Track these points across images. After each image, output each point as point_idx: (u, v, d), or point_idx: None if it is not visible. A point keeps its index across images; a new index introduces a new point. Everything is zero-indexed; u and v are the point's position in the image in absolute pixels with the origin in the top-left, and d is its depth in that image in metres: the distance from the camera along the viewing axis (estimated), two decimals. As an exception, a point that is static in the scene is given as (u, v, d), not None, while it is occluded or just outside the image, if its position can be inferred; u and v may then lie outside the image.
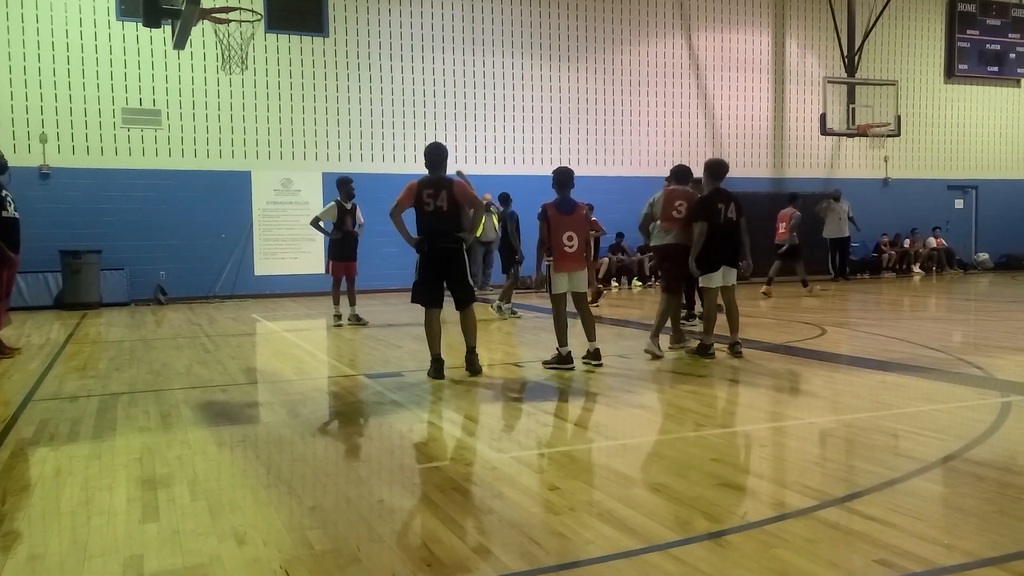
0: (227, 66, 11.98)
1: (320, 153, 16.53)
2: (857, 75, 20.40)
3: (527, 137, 18.11)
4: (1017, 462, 4.19)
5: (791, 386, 6.33)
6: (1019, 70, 22.84)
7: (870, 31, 20.28)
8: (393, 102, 17.04)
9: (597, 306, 11.90)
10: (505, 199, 12.15)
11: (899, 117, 20.33)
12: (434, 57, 17.34)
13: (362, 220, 10.97)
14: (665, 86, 19.37)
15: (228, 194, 15.79)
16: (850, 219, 17.28)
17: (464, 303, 6.86)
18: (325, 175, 15.94)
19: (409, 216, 6.70)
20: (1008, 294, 15.03)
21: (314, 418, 5.58)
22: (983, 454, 4.21)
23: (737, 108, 20.09)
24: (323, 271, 11.38)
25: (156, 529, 3.32)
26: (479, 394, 6.19)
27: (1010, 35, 22.61)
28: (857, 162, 21.43)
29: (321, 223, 10.76)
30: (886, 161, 21.65)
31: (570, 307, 7.28)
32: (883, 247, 20.83)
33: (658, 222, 8.04)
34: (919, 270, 20.84)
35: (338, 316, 10.88)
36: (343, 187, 10.77)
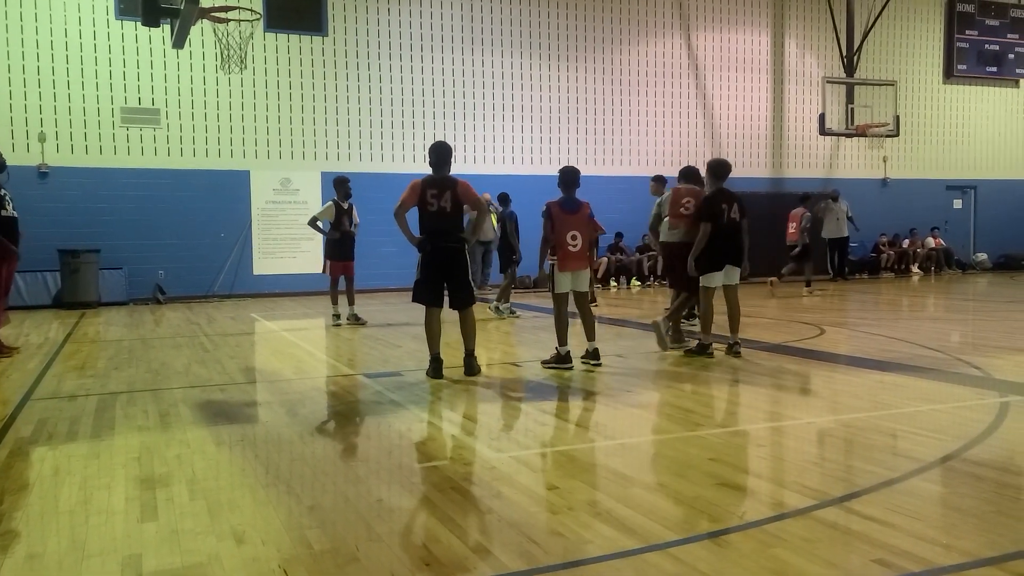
0: (226, 65, 11.97)
1: (319, 152, 16.53)
2: (856, 75, 20.41)
3: (526, 137, 18.11)
4: (1015, 462, 4.20)
5: (790, 386, 6.34)
6: (1018, 70, 22.86)
7: (869, 31, 20.28)
8: (392, 101, 17.03)
9: (596, 305, 11.90)
10: (504, 199, 12.16)
11: (898, 117, 20.34)
12: (433, 57, 17.34)
13: (358, 220, 10.95)
14: (664, 86, 19.37)
15: (227, 193, 15.78)
16: (849, 219, 17.29)
17: (464, 303, 6.86)
18: (324, 174, 15.92)
19: (411, 215, 6.69)
20: (1006, 294, 15.04)
21: (313, 417, 5.58)
22: (981, 454, 4.22)
23: (736, 108, 20.10)
24: (320, 271, 11.34)
25: (155, 528, 3.32)
26: (478, 394, 6.19)
27: (1009, 35, 22.62)
28: (856, 162, 21.44)
29: (319, 223, 10.75)
30: (885, 161, 21.66)
31: (570, 307, 7.29)
32: (882, 247, 20.85)
33: (666, 219, 8.12)
34: (918, 270, 20.85)
35: (337, 316, 10.87)
36: (340, 186, 10.76)
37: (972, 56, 22.29)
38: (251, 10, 12.34)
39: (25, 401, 6.08)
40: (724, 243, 7.51)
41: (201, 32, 14.33)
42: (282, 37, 16.22)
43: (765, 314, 11.59)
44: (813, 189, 18.85)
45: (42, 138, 14.63)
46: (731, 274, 7.63)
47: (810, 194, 15.92)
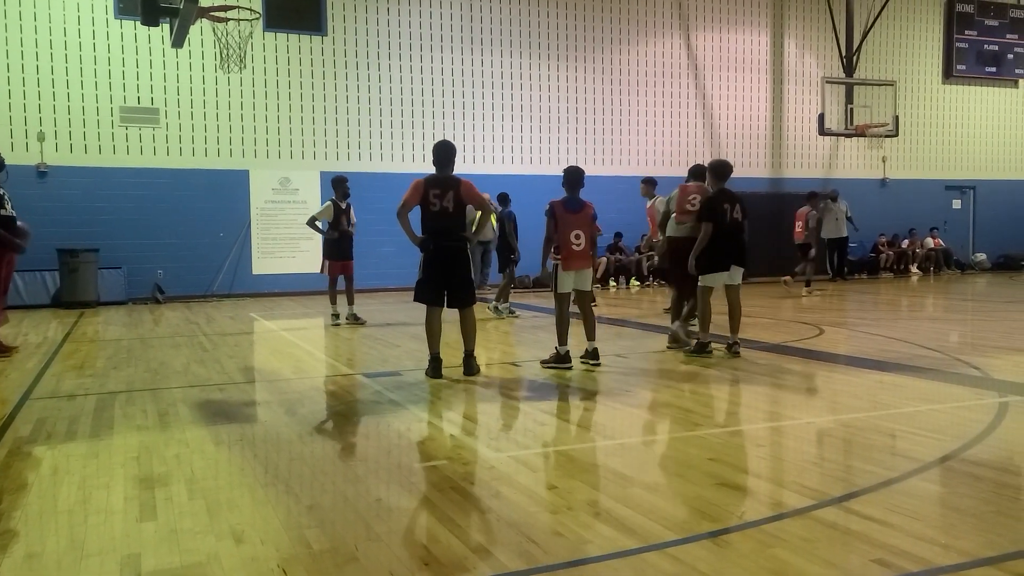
0: (225, 65, 11.97)
1: (318, 152, 16.52)
2: (855, 75, 20.41)
3: (524, 137, 18.11)
4: (1014, 462, 4.20)
5: (789, 386, 6.34)
6: (1017, 71, 22.87)
7: (868, 31, 20.29)
8: (391, 101, 17.03)
9: (596, 305, 11.90)
10: (504, 199, 12.15)
11: (897, 117, 20.35)
12: (432, 56, 17.33)
13: (354, 219, 10.95)
14: (663, 86, 19.38)
15: (226, 193, 15.77)
16: (848, 219, 17.30)
17: (465, 303, 6.86)
18: (323, 174, 15.92)
19: (414, 214, 6.69)
20: (1005, 294, 15.05)
21: (312, 417, 5.58)
22: (980, 454, 4.22)
23: (735, 108, 20.10)
24: (319, 271, 11.32)
25: (153, 528, 3.32)
26: (477, 393, 6.19)
27: (1008, 36, 22.63)
28: (855, 162, 21.45)
29: (318, 223, 10.74)
30: (884, 161, 21.67)
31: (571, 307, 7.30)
32: (881, 247, 20.86)
33: (674, 215, 8.21)
34: (917, 270, 20.86)
35: (336, 315, 10.87)
36: (339, 186, 10.75)
37: (971, 56, 22.30)
38: (250, 9, 12.31)
39: (24, 400, 6.07)
40: (727, 243, 7.52)
41: (200, 32, 14.33)
42: (281, 37, 16.21)
43: (764, 314, 11.59)
44: (812, 189, 18.86)
45: (41, 137, 14.62)
46: (734, 274, 7.65)
47: (817, 192, 16.01)
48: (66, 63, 14.76)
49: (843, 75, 20.39)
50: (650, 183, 11.15)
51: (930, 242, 21.29)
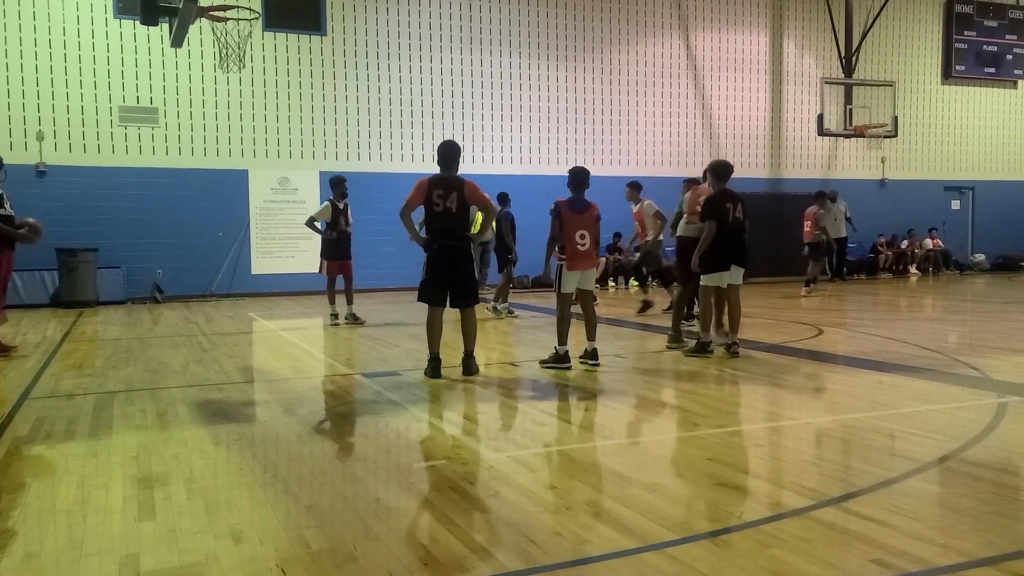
0: (224, 64, 11.96)
1: (317, 152, 16.52)
2: (854, 76, 20.42)
3: (524, 137, 18.10)
4: (1013, 462, 4.20)
5: (788, 386, 6.34)
6: (1016, 71, 22.88)
7: (867, 32, 20.30)
8: (390, 101, 17.03)
9: (597, 304, 11.91)
10: (503, 198, 12.15)
11: (896, 118, 20.35)
12: (431, 56, 17.33)
13: (351, 219, 10.94)
14: (663, 86, 19.38)
15: (225, 192, 15.76)
16: (847, 220, 17.33)
17: (468, 303, 6.86)
18: (322, 174, 15.91)
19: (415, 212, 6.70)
20: (1004, 295, 15.06)
21: (311, 417, 5.58)
22: (979, 454, 4.22)
23: (735, 108, 20.11)
24: (317, 271, 11.32)
25: (152, 527, 3.32)
26: (476, 393, 6.19)
27: (1007, 36, 22.65)
28: (854, 163, 21.46)
29: (316, 223, 10.74)
30: (883, 162, 21.68)
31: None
32: (880, 248, 20.87)
33: (685, 215, 8.30)
34: (916, 271, 20.87)
35: (335, 315, 10.87)
36: (337, 186, 10.74)
37: (970, 57, 22.31)
38: (250, 9, 12.31)
39: (23, 400, 6.07)
40: (728, 243, 7.54)
41: (200, 31, 14.33)
42: (281, 36, 16.21)
43: (763, 314, 11.59)
44: (811, 190, 18.86)
45: (40, 137, 14.61)
46: (735, 274, 7.66)
47: (825, 192, 16.06)
48: (65, 62, 14.75)
49: (842, 76, 20.40)
50: (635, 187, 11.15)
51: (929, 243, 21.30)
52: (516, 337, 9.63)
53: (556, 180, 15.34)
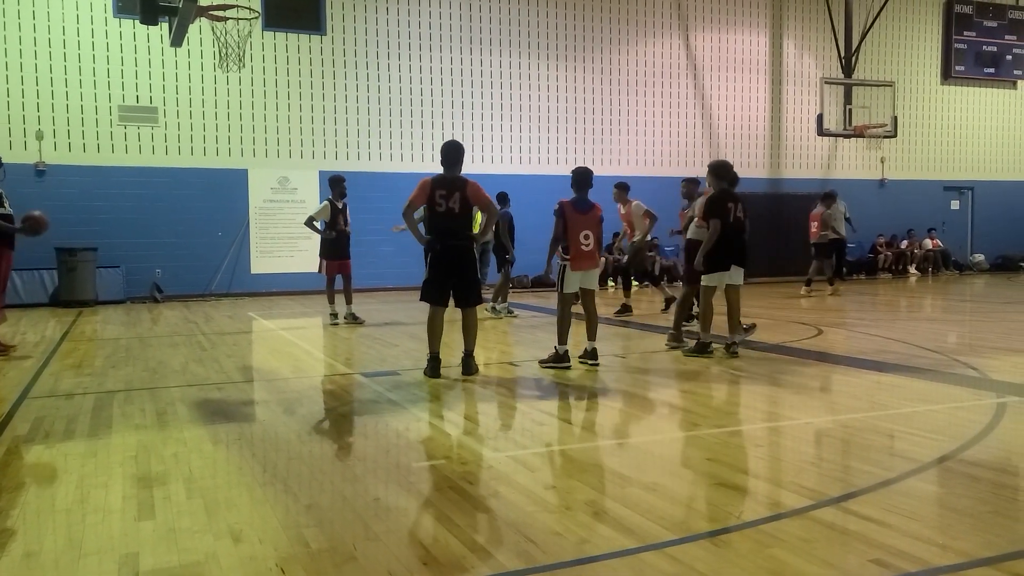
0: (224, 64, 11.96)
1: (317, 151, 16.51)
2: (854, 76, 20.42)
3: (524, 137, 18.10)
4: (1012, 463, 4.21)
5: (787, 386, 6.34)
6: (1015, 72, 22.88)
7: (867, 32, 20.30)
8: (390, 100, 17.02)
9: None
10: (502, 198, 12.14)
11: (896, 118, 20.36)
12: (431, 56, 17.33)
13: (349, 219, 10.93)
14: (663, 86, 19.38)
15: (225, 192, 15.76)
16: (846, 220, 17.31)
17: (471, 303, 6.86)
18: (322, 173, 15.90)
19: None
20: (1003, 295, 15.07)
21: (310, 416, 5.58)
22: (978, 455, 4.22)
23: (734, 108, 20.11)
24: (316, 271, 11.31)
25: (152, 527, 3.32)
26: (476, 393, 6.19)
27: (1007, 37, 22.65)
28: (854, 163, 21.46)
29: (316, 223, 10.73)
30: (883, 162, 21.68)
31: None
32: (879, 248, 20.87)
33: (696, 218, 8.29)
34: (915, 271, 20.88)
35: (334, 315, 10.87)
36: (336, 186, 10.72)
37: (970, 57, 22.32)
38: (249, 8, 12.31)
39: (22, 399, 6.06)
40: (729, 243, 7.55)
41: (199, 30, 14.32)
42: (280, 36, 16.20)
43: (763, 314, 11.59)
44: (811, 190, 18.89)
45: (39, 136, 14.61)
46: (735, 274, 7.67)
47: (833, 193, 16.08)
48: (65, 62, 14.74)
49: (842, 76, 20.40)
50: (623, 188, 11.16)
51: (928, 243, 21.31)
52: (516, 337, 9.64)
53: (556, 180, 15.36)
